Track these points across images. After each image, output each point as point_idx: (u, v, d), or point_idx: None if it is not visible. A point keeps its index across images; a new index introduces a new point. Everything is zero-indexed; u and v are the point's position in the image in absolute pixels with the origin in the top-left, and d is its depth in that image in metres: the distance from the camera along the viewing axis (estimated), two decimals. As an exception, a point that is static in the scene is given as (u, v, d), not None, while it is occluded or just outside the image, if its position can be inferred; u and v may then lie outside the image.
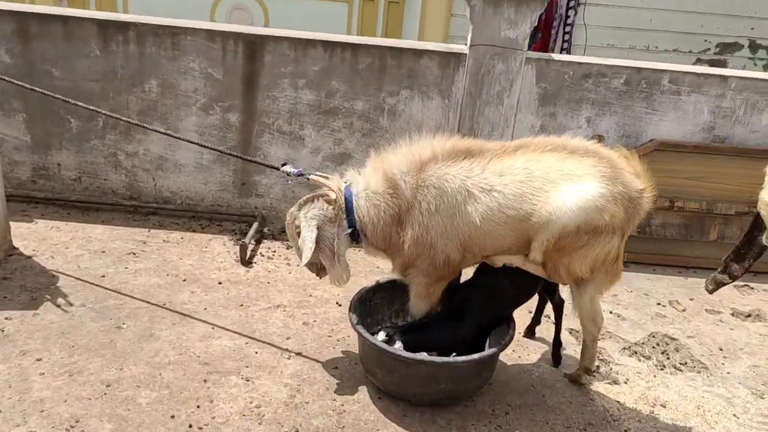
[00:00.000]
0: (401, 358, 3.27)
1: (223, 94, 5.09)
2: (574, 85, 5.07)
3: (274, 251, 4.98)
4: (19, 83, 4.12)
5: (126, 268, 4.50)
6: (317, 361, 3.75)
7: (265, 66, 5.02)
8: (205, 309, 4.13)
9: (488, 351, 3.38)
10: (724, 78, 5.08)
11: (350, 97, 5.12)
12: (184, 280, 4.43)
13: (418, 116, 5.15)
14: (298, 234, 3.48)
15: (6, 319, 3.79)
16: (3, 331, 3.69)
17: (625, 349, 4.16)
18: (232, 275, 4.57)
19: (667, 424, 3.51)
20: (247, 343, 3.84)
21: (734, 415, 3.64)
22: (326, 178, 3.56)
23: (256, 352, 3.77)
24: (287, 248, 5.03)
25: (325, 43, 5.00)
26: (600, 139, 5.12)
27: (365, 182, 3.42)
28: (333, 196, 3.42)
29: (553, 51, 7.98)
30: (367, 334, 3.38)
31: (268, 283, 4.53)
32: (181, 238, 5.01)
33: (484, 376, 3.48)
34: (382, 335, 3.39)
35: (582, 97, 5.10)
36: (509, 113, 5.07)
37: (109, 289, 4.22)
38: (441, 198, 3.24)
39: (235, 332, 3.92)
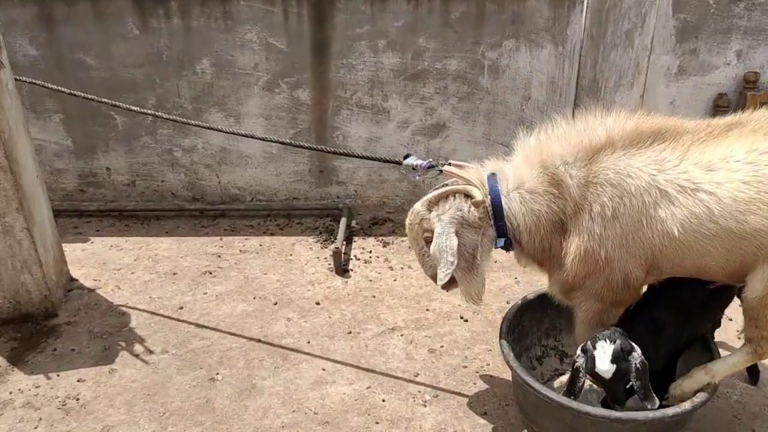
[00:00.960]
0: (590, 415, 2.50)
1: (289, 68, 4.24)
2: (721, 11, 4.05)
3: (370, 252, 4.21)
4: (48, 85, 3.35)
5: (205, 293, 3.79)
6: (459, 404, 3.02)
7: (337, 28, 4.12)
8: (309, 342, 3.42)
9: (700, 398, 2.57)
10: None
11: (442, 56, 4.21)
12: (275, 304, 3.71)
13: (526, 70, 4.23)
14: (427, 241, 2.69)
15: (79, 381, 3.14)
16: (78, 400, 3.03)
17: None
18: (330, 290, 3.83)
19: None
20: (368, 387, 3.12)
21: None
22: (461, 167, 2.72)
23: (383, 400, 3.05)
24: (383, 246, 4.25)
25: (408, -7, 4.08)
26: (756, 77, 4.13)
27: (517, 177, 2.57)
28: (478, 194, 2.59)
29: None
30: (540, 387, 2.60)
31: (374, 297, 3.78)
32: (260, 245, 4.27)
33: (687, 425, 2.69)
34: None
35: (731, 26, 4.09)
36: (641, 56, 4.10)
37: (191, 323, 3.54)
38: (621, 199, 2.37)
39: (352, 370, 3.21)
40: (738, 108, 4.19)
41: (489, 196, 2.61)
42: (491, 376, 3.20)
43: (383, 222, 4.49)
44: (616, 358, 2.43)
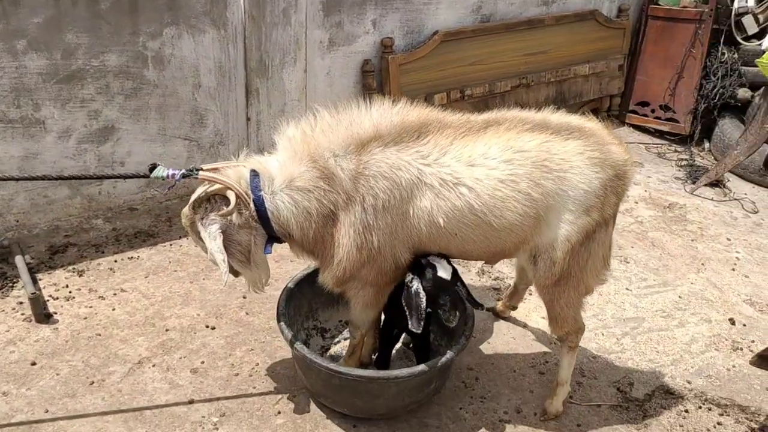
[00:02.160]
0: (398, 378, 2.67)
1: None
2: (356, -15, 4.44)
3: (67, 287, 3.60)
4: None
5: None
6: (249, 413, 2.89)
7: (-43, 31, 3.32)
8: (47, 411, 2.83)
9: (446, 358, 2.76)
10: (484, -46, 4.97)
11: (98, 51, 3.73)
12: (-25, 382, 2.97)
13: (192, 58, 4.02)
14: (201, 238, 2.53)
15: None
16: None
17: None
18: (41, 344, 3.20)
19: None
20: (144, 435, 2.77)
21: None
22: (218, 170, 2.53)
23: (170, 441, 2.75)
24: (79, 275, 3.69)
25: (44, -18, 3.47)
26: (391, 42, 4.66)
27: (285, 174, 2.49)
28: (232, 200, 2.46)
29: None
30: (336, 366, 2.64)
31: (99, 335, 3.29)
32: None
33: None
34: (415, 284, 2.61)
35: (365, -2, 4.52)
36: (299, 32, 4.26)
37: None
38: (392, 192, 2.46)
39: (117, 421, 2.79)
40: (381, 70, 4.70)
41: (252, 200, 2.50)
42: (265, 374, 3.12)
43: (65, 248, 3.87)
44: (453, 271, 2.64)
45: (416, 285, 2.58)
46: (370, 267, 2.60)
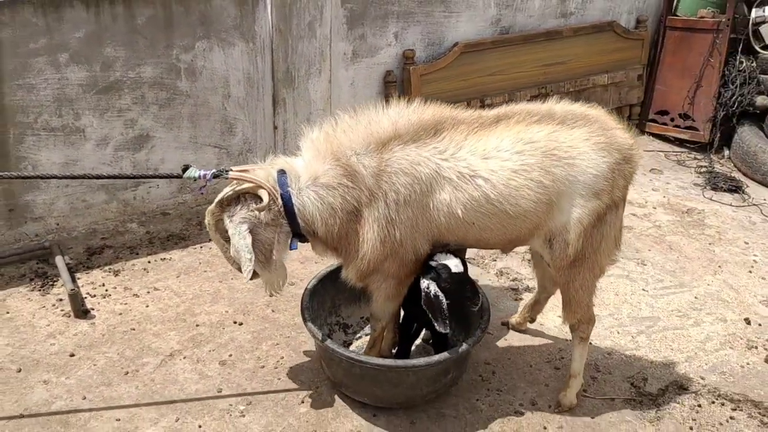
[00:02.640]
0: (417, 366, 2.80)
1: (-51, 97, 3.53)
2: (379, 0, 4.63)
3: (103, 285, 3.80)
4: None
5: None
6: (275, 402, 3.04)
7: (5, 45, 3.56)
8: (85, 398, 3.02)
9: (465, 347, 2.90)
10: (503, -32, 5.13)
11: (134, 64, 3.96)
12: (19, 371, 3.16)
13: (222, 69, 4.24)
14: (227, 240, 2.67)
15: None
16: None
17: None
18: (79, 337, 3.39)
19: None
20: (177, 420, 2.93)
21: (644, 287, 3.97)
22: (248, 170, 2.69)
23: (200, 426, 2.90)
24: (115, 275, 3.89)
25: (86, 0, 3.71)
26: (412, 54, 4.83)
27: (310, 172, 2.65)
28: (265, 197, 2.61)
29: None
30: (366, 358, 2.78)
31: (133, 329, 3.47)
32: (-40, 313, 3.53)
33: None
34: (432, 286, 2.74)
35: (387, 11, 4.69)
36: (324, 44, 4.45)
37: None
38: (412, 186, 2.62)
39: (150, 409, 2.96)
40: (404, 80, 4.87)
41: (280, 196, 2.66)
42: (290, 366, 3.27)
43: (102, 250, 4.08)
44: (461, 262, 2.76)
45: (434, 289, 2.71)
46: (392, 260, 2.74)
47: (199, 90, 4.20)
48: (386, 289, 2.89)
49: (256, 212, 2.63)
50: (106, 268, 3.95)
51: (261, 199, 2.62)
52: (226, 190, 2.68)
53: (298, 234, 2.74)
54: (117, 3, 3.77)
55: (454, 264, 2.70)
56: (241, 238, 2.61)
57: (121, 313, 3.59)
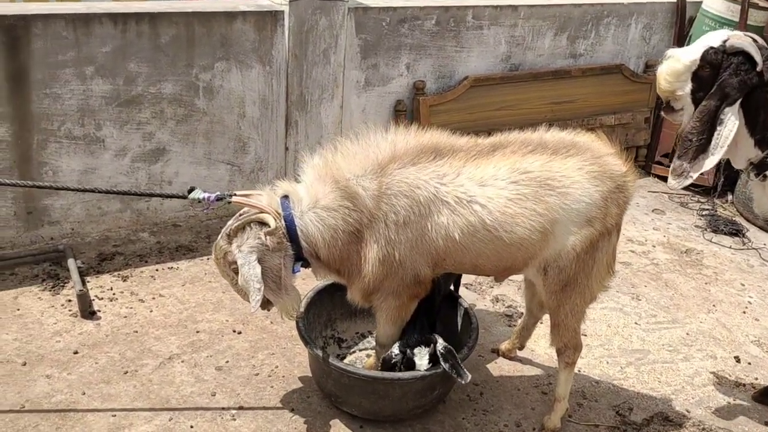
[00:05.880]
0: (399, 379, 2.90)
1: (-20, 102, 3.74)
2: (392, 32, 4.82)
3: (111, 289, 3.94)
4: None
5: (-74, 374, 3.16)
6: (266, 409, 3.14)
7: (36, 55, 3.77)
8: (84, 394, 3.14)
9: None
10: (515, 8, 5.30)
11: (156, 80, 4.16)
12: (24, 364, 3.29)
13: (239, 90, 4.43)
14: (235, 271, 2.78)
15: None
16: None
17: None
18: (84, 336, 3.52)
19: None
20: (171, 419, 3.04)
21: (637, 321, 4.03)
22: (250, 195, 2.84)
23: (192, 427, 3.01)
24: (123, 280, 4.03)
25: (114, 17, 3.92)
26: (423, 85, 5.01)
27: (311, 195, 2.78)
28: (271, 222, 2.73)
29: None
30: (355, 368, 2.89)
31: (136, 332, 3.60)
32: (-27, 306, 3.68)
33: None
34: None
35: (400, 43, 4.88)
36: (337, 71, 4.64)
37: None
38: (412, 208, 2.73)
39: (145, 408, 3.07)
40: (413, 110, 5.04)
41: (283, 219, 2.76)
42: (283, 376, 3.37)
43: (112, 257, 4.23)
44: (431, 358, 2.94)
45: (441, 344, 2.96)
46: (392, 279, 2.84)
47: (215, 108, 4.39)
48: (388, 309, 2.97)
49: (264, 238, 2.73)
50: (116, 273, 4.10)
51: (267, 225, 2.74)
52: (231, 222, 2.78)
53: (301, 257, 2.85)
54: (143, 21, 3.99)
55: (423, 363, 2.94)
56: (250, 269, 2.69)
57: (125, 316, 3.72)
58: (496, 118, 5.39)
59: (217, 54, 4.28)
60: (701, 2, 5.96)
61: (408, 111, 5.07)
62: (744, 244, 5.15)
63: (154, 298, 3.90)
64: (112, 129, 4.15)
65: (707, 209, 5.64)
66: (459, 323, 3.35)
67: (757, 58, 2.74)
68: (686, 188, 6.09)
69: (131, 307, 3.81)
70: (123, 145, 4.22)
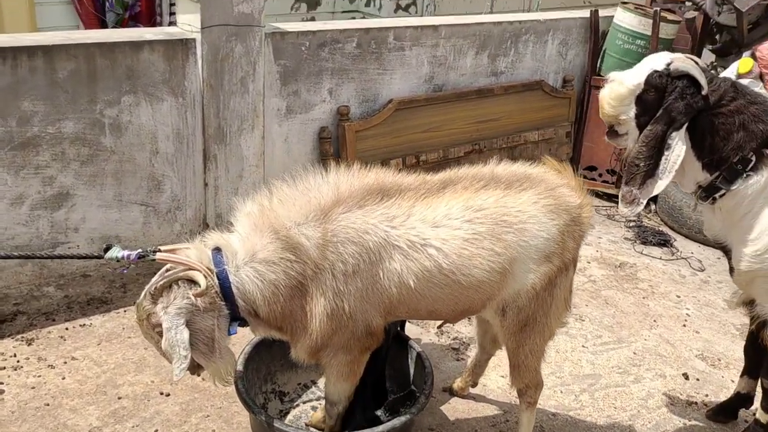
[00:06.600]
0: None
1: None
2: (312, 56, 4.58)
3: (14, 356, 3.49)
4: None
5: None
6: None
7: None
8: (-12, 487, 2.71)
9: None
10: (435, 27, 5.18)
11: (54, 119, 3.75)
12: None
13: (150, 125, 4.06)
14: (160, 334, 2.43)
15: None
16: None
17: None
18: (-15, 416, 3.07)
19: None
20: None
21: (584, 343, 3.95)
22: (177, 250, 2.51)
23: None
24: (28, 344, 3.58)
25: (2, 51, 3.50)
26: (347, 110, 4.80)
27: (247, 248, 2.47)
28: (202, 281, 2.40)
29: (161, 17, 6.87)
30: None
31: (47, 405, 3.18)
32: None
33: None
34: None
35: (321, 68, 4.65)
36: (257, 100, 4.35)
37: None
38: (361, 256, 2.47)
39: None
40: (338, 137, 4.81)
41: (215, 275, 2.45)
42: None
43: (14, 317, 3.76)
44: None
45: None
46: (342, 333, 2.57)
47: (124, 146, 4.01)
48: (338, 366, 2.70)
49: (193, 299, 2.40)
50: (19, 337, 3.64)
51: (197, 284, 2.42)
52: (156, 279, 2.44)
53: (237, 317, 2.54)
54: (35, 56, 3.58)
55: None
56: (177, 333, 2.36)
57: (34, 387, 3.29)
58: (423, 140, 5.24)
59: (123, 87, 3.91)
60: (613, 16, 6.07)
61: (333, 138, 4.83)
62: (673, 254, 5.21)
63: (65, 363, 3.48)
64: (5, 175, 3.70)
65: (633, 220, 5.70)
66: (411, 367, 3.13)
67: (702, 81, 2.68)
68: (609, 199, 6.16)
69: (40, 376, 3.37)
70: (19, 192, 3.77)
